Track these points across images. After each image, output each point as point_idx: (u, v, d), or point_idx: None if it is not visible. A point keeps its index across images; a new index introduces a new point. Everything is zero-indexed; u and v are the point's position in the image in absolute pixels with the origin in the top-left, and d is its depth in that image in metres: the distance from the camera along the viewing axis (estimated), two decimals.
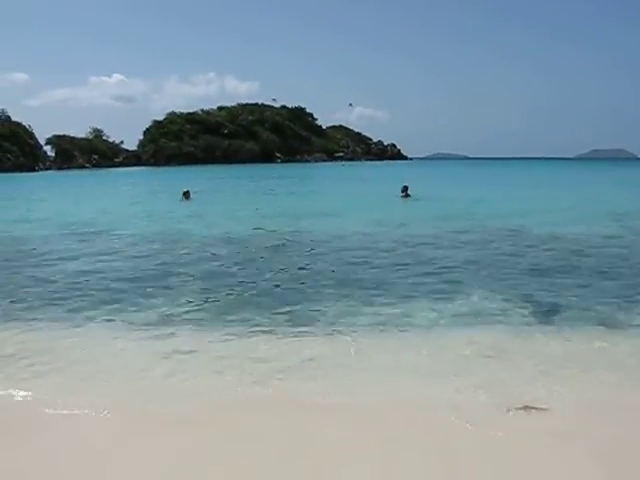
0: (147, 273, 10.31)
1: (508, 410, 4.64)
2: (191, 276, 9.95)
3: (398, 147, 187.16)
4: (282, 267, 10.72)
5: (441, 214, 19.59)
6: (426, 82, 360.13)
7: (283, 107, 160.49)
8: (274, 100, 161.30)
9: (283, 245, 13.82)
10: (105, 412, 4.69)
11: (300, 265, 10.74)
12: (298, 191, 33.88)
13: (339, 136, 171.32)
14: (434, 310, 7.75)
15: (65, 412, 4.72)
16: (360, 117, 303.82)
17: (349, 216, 19.74)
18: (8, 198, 34.62)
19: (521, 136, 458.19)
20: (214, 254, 12.32)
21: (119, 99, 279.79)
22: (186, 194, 25.55)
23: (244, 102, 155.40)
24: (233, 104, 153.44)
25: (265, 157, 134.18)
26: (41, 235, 15.85)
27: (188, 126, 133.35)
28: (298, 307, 7.84)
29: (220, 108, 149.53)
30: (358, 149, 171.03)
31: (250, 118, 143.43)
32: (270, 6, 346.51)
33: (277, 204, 24.76)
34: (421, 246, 12.79)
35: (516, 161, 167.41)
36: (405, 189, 26.78)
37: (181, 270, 10.45)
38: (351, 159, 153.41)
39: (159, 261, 11.49)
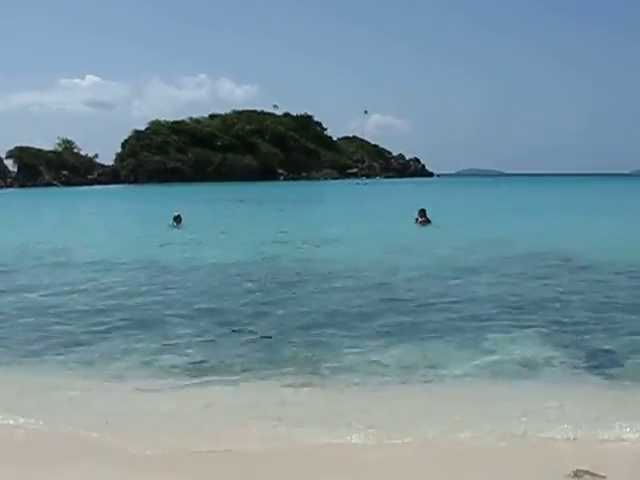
0: (129, 311, 10.47)
1: (565, 477, 4.80)
2: (180, 316, 10.12)
3: (422, 162, 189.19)
4: (287, 303, 10.89)
5: (465, 244, 19.67)
6: (455, 86, 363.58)
7: (286, 115, 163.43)
8: (276, 107, 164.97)
9: (288, 277, 14.06)
10: None
11: (307, 303, 10.89)
12: (297, 215, 34.20)
13: (353, 149, 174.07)
14: (464, 357, 7.84)
15: None
16: (377, 126, 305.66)
17: (355, 246, 20.00)
18: None
19: (568, 149, 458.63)
20: (211, 287, 12.53)
21: (93, 105, 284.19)
22: (177, 219, 25.81)
23: (240, 109, 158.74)
24: (227, 111, 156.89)
25: (265, 174, 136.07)
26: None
27: (175, 137, 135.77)
28: (304, 354, 7.99)
29: (212, 116, 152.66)
30: (375, 164, 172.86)
31: (248, 128, 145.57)
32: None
33: (279, 229, 25.00)
34: (441, 281, 12.92)
35: (562, 178, 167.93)
36: (422, 214, 26.85)
37: (170, 309, 10.60)
38: (367, 176, 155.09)
39: (147, 298, 11.67)
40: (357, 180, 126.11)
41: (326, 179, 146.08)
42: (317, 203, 49.45)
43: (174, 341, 8.62)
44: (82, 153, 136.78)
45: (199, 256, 17.24)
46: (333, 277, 13.56)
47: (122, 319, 9.97)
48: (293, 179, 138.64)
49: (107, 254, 17.82)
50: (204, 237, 22.56)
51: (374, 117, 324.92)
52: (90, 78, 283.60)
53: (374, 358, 7.80)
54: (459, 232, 24.39)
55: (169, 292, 12.17)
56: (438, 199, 52.15)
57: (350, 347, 8.26)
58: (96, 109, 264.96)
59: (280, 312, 10.22)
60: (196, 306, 10.84)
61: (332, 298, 11.32)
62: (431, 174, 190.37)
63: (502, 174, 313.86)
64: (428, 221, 26.51)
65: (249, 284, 13.04)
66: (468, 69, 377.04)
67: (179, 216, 25.98)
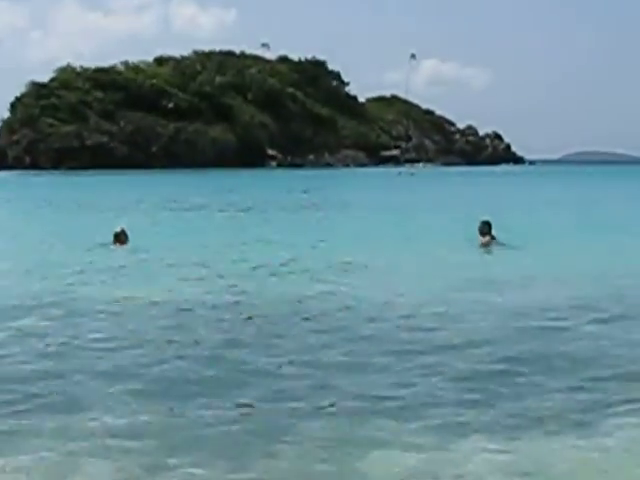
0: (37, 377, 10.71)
1: None
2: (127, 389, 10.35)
3: (505, 140, 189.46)
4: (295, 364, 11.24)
5: (552, 279, 19.76)
6: (558, 20, 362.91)
7: (283, 60, 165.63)
8: (266, 46, 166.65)
9: (295, 324, 14.46)
10: None
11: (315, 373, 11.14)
12: (296, 229, 34.47)
13: (391, 117, 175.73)
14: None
15: None
16: (433, 80, 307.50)
17: (386, 278, 20.27)
18: None
19: None
20: (170, 342, 12.81)
21: None
22: (119, 236, 25.96)
23: (207, 49, 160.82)
24: (186, 53, 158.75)
25: (248, 157, 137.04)
26: None
27: (98, 94, 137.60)
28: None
29: (160, 60, 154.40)
30: (428, 143, 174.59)
31: (219, 80, 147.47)
32: None
33: (272, 252, 25.29)
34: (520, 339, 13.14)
35: None
36: (486, 229, 26.80)
37: (106, 378, 10.80)
38: (415, 161, 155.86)
39: (63, 363, 11.89)
40: (399, 168, 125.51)
41: (347, 166, 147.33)
42: (330, 208, 49.52)
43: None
44: None
45: (152, 294, 17.58)
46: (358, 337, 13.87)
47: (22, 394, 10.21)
48: (293, 166, 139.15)
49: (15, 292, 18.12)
50: (160, 264, 22.81)
51: (427, 65, 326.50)
52: None
53: None
54: (543, 259, 24.29)
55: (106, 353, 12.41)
56: (524, 204, 52.33)
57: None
58: None
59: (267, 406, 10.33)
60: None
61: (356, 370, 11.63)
62: (521, 160, 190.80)
63: (636, 160, 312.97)
64: (492, 238, 26.63)
65: (226, 333, 13.35)
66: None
67: (123, 232, 26.14)
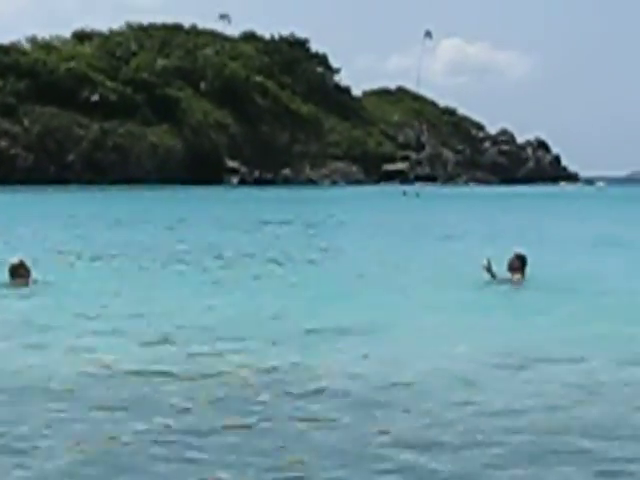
0: None
1: None
2: None
3: (552, 151, 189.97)
4: None
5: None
6: None
7: (249, 37, 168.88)
8: (225, 18, 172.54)
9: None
10: None
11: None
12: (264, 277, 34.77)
13: (397, 117, 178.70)
14: None
15: None
16: (454, 67, 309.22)
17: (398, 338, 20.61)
18: None
19: None
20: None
21: None
22: (17, 270, 26.05)
23: (145, 22, 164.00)
24: (117, 26, 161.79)
25: (199, 169, 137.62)
26: None
27: None
28: None
29: (81, 36, 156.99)
30: (448, 152, 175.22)
31: (162, 64, 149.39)
32: None
33: (235, 303, 25.56)
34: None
35: None
36: (519, 264, 27.77)
37: None
38: (429, 178, 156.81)
39: None
40: (408, 187, 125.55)
41: (335, 183, 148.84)
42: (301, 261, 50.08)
43: None
44: None
45: (65, 358, 17.76)
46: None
47: None
48: (261, 183, 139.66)
49: None
50: (82, 309, 22.99)
51: (447, 46, 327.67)
52: None
53: None
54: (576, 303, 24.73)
55: None
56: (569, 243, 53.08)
57: None
58: None
59: None
60: None
61: None
62: (575, 177, 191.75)
63: None
64: (522, 274, 27.10)
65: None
66: None
67: (21, 264, 26.17)
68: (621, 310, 25.24)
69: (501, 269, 27.04)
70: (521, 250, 27.72)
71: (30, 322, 21.81)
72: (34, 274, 25.97)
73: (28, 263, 26.14)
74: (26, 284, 25.63)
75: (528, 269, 27.25)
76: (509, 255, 27.46)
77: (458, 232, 54.10)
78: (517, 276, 27.09)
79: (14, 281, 25.73)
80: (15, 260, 26.22)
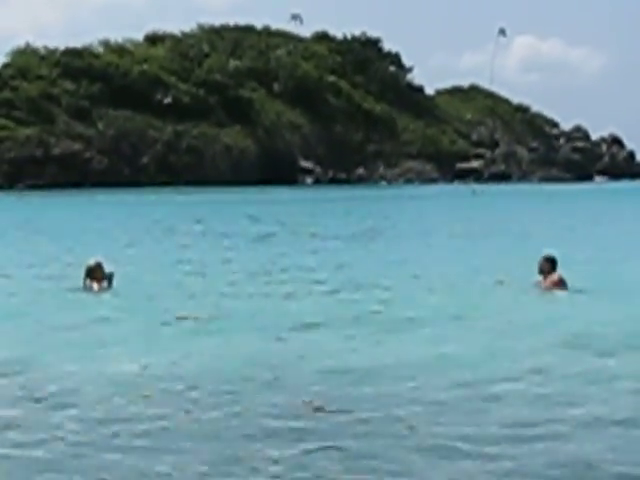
0: None
1: None
2: None
3: (628, 147, 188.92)
4: None
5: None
6: None
7: (322, 37, 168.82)
8: (297, 19, 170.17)
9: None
10: None
11: None
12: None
13: (470, 115, 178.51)
14: None
15: None
16: (528, 65, 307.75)
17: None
18: None
19: None
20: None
21: None
22: (96, 273, 25.55)
23: (218, 24, 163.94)
24: (189, 29, 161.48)
25: (274, 170, 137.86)
26: None
27: (69, 85, 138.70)
28: None
29: (153, 39, 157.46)
30: (522, 150, 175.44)
31: (234, 65, 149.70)
32: None
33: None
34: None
35: None
36: (549, 267, 26.86)
37: None
38: (503, 176, 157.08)
39: None
40: (472, 186, 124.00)
41: (411, 182, 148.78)
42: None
43: None
44: None
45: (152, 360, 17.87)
46: None
47: None
48: (335, 182, 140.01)
49: None
50: (158, 319, 22.29)
51: (521, 43, 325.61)
52: None
53: None
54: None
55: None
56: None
57: None
58: None
59: None
60: None
61: None
62: None
63: None
64: (562, 283, 26.44)
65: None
66: None
67: (99, 268, 25.62)
68: None
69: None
70: (550, 252, 27.05)
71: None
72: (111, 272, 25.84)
73: (105, 264, 26.00)
74: (101, 289, 25.39)
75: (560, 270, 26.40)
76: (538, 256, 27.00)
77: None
78: (549, 282, 26.51)
79: (95, 284, 25.36)
80: (92, 261, 25.93)
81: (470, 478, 11.89)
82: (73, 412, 15.24)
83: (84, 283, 25.30)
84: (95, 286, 25.09)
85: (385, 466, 12.55)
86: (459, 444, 12.55)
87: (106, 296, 24.84)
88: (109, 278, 25.53)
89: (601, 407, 14.84)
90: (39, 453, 13.16)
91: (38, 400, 16.00)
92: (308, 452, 13.21)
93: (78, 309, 23.75)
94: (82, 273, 25.54)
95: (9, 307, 25.26)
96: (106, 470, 11.95)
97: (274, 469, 12.28)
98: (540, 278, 26.43)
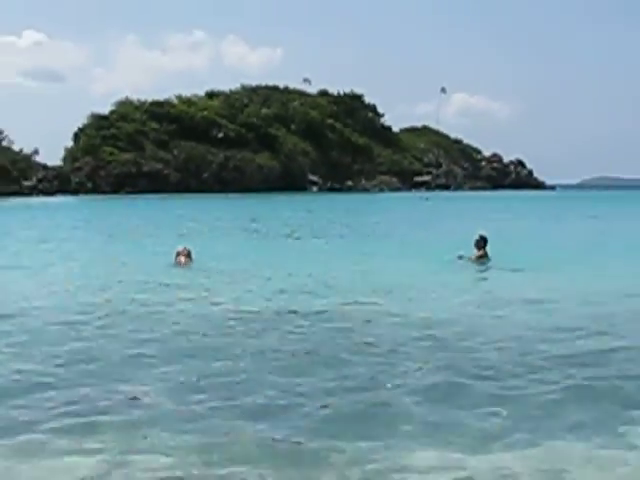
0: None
1: None
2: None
3: (528, 167, 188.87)
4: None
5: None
6: (580, 55, 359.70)
7: (323, 94, 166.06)
8: (307, 82, 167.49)
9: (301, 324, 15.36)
10: None
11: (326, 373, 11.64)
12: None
13: (423, 145, 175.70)
14: None
15: None
16: (461, 112, 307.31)
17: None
18: None
19: None
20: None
21: (34, 75, 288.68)
22: (182, 254, 25.72)
23: (254, 84, 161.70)
24: (235, 87, 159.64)
25: (290, 182, 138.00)
26: None
27: (154, 125, 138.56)
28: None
29: (211, 94, 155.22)
30: (457, 169, 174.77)
31: (265, 112, 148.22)
32: None
33: (326, 270, 25.08)
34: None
35: None
36: (482, 244, 26.33)
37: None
38: (444, 186, 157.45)
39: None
40: (420, 194, 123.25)
41: (382, 190, 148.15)
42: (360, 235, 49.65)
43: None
44: (14, 148, 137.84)
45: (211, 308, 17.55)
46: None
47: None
48: (332, 190, 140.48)
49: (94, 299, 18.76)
50: (222, 283, 22.42)
51: (456, 98, 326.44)
52: (30, 35, 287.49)
53: None
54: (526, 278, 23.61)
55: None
56: (527, 226, 52.35)
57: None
58: (37, 82, 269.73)
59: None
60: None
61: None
62: (542, 185, 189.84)
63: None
64: (485, 256, 26.08)
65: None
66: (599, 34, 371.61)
67: (185, 250, 25.84)
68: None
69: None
70: (483, 232, 26.68)
71: (189, 284, 21.68)
72: (193, 256, 26.05)
73: (190, 250, 26.24)
74: (186, 263, 25.63)
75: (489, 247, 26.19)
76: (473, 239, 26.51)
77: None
78: (479, 254, 26.06)
79: (181, 260, 25.67)
80: (180, 247, 26.37)
81: None
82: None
83: (175, 259, 25.90)
84: (182, 259, 25.47)
85: None
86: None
87: (188, 267, 25.17)
88: (189, 256, 25.99)
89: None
90: None
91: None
92: None
93: (172, 274, 23.91)
94: (174, 254, 26.09)
95: (136, 269, 25.94)
96: None
97: None
98: (476, 252, 26.01)
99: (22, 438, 9.05)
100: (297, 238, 39.63)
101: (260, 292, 20.06)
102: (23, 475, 8.05)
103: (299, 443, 8.86)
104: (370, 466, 8.09)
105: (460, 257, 26.15)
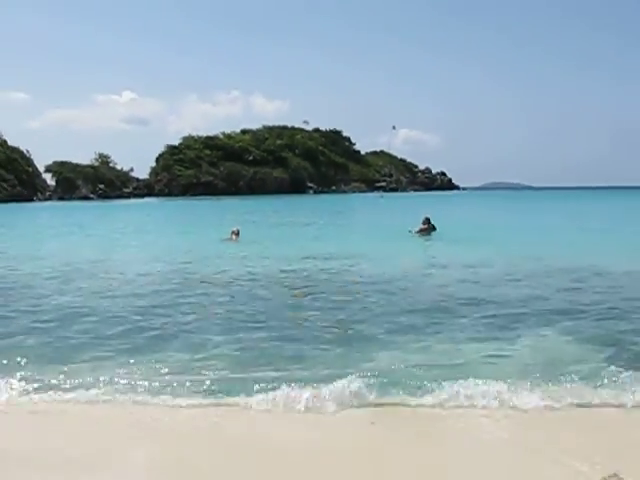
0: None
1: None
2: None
3: (448, 176, 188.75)
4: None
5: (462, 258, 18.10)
6: (485, 100, 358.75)
7: (316, 130, 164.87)
8: (306, 122, 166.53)
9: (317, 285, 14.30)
10: None
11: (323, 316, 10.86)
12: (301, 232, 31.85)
13: (381, 163, 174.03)
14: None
15: None
16: (406, 141, 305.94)
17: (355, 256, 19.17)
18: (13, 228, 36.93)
19: (605, 163, 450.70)
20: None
21: (130, 121, 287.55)
22: (233, 233, 25.45)
23: (271, 124, 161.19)
24: (259, 127, 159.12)
25: (295, 187, 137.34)
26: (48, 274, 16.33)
27: (207, 152, 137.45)
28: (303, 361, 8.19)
29: (244, 131, 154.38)
30: (402, 178, 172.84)
31: (278, 143, 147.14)
32: (303, 9, 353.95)
33: (324, 246, 23.52)
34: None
35: (596, 191, 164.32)
36: (426, 221, 25.63)
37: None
38: (394, 189, 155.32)
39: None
40: (380, 194, 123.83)
41: (354, 192, 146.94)
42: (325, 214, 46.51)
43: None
44: (118, 167, 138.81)
45: (259, 270, 16.62)
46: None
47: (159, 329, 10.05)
48: (322, 192, 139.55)
49: (173, 266, 17.91)
50: (261, 251, 21.55)
51: (402, 132, 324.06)
52: (127, 95, 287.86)
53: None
54: (458, 244, 22.66)
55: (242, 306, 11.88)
56: (455, 211, 51.55)
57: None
58: (132, 125, 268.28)
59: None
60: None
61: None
62: (457, 187, 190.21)
63: (530, 187, 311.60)
64: (433, 229, 25.36)
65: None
66: (500, 83, 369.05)
67: (237, 231, 25.75)
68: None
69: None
70: (428, 214, 26.35)
71: (243, 252, 21.12)
72: (240, 235, 25.48)
73: (239, 230, 25.77)
74: (236, 240, 25.26)
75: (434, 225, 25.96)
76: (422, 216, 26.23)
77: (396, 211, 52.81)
78: (425, 227, 25.58)
79: (234, 237, 25.56)
80: (235, 228, 26.14)
81: None
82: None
83: (230, 237, 25.36)
84: (233, 237, 25.43)
85: None
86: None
87: (237, 243, 24.35)
88: (238, 234, 26.16)
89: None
90: None
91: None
92: None
93: (225, 246, 23.03)
94: (228, 232, 25.59)
95: (200, 244, 24.95)
96: None
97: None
98: (421, 225, 25.61)
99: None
100: (306, 224, 37.03)
101: (280, 258, 19.05)
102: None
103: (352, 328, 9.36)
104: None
105: (409, 231, 25.57)
